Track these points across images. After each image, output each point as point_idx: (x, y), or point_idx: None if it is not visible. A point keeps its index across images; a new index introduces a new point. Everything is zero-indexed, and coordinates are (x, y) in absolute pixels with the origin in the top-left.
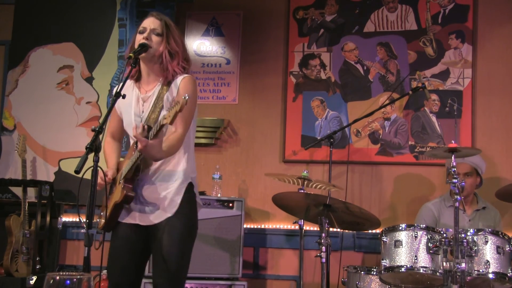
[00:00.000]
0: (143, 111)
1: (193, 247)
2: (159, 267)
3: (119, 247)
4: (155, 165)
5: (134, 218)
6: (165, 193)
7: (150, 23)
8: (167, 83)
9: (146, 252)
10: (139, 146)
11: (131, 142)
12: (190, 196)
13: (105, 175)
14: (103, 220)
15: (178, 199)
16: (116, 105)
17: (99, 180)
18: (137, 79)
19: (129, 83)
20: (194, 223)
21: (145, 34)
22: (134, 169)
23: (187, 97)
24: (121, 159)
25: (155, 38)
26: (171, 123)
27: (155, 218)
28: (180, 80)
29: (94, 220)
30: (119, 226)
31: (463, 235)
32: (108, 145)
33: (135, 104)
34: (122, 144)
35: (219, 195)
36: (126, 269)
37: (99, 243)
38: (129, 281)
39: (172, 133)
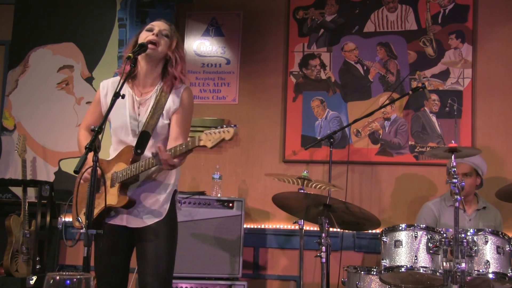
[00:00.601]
0: (139, 114)
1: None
2: (149, 267)
3: (107, 248)
4: (148, 172)
5: (121, 220)
6: (155, 199)
7: (159, 24)
8: (167, 89)
9: (130, 251)
10: (166, 166)
11: (115, 144)
12: (173, 202)
13: (102, 171)
14: (83, 218)
15: (167, 206)
16: (103, 102)
17: (86, 175)
18: (132, 78)
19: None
20: (176, 225)
21: (155, 31)
22: (135, 177)
23: (236, 127)
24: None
25: (163, 40)
26: (212, 148)
27: (144, 221)
28: (181, 92)
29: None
30: (104, 227)
31: (463, 235)
32: (84, 138)
33: (130, 107)
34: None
35: (219, 195)
36: (116, 269)
37: (75, 241)
38: (119, 279)
39: (175, 141)
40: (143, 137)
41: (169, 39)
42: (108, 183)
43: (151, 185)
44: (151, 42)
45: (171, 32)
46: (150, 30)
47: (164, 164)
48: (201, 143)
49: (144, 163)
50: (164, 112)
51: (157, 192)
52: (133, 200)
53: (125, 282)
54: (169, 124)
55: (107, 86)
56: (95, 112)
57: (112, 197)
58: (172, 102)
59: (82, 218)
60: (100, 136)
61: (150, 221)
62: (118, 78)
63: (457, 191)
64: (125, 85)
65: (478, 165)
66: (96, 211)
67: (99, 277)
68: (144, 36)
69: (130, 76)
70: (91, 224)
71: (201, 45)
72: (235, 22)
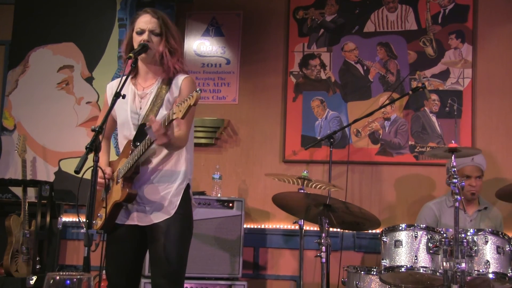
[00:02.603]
0: (140, 108)
1: (189, 248)
2: (160, 268)
3: (116, 250)
4: (153, 164)
5: (132, 219)
6: (164, 193)
7: (147, 23)
8: (167, 81)
9: (142, 251)
10: (160, 138)
11: (120, 141)
12: (187, 197)
13: (104, 173)
14: (99, 221)
15: (177, 201)
16: (109, 102)
17: (99, 179)
18: (133, 75)
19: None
20: (190, 224)
21: (144, 37)
22: (135, 167)
23: (199, 91)
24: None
25: (154, 39)
26: (183, 117)
27: (154, 218)
28: (181, 81)
29: (95, 220)
30: (115, 228)
31: (463, 235)
32: None
33: (131, 101)
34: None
35: (219, 195)
36: (124, 271)
37: (95, 245)
38: (128, 281)
39: (177, 131)
40: (142, 130)
41: (160, 36)
42: (114, 181)
43: (157, 178)
44: (144, 46)
45: (160, 27)
46: (141, 33)
47: (157, 135)
48: (175, 116)
49: (138, 149)
50: (164, 103)
51: (165, 187)
52: (133, 192)
53: (136, 284)
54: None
55: (111, 87)
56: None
57: (116, 193)
58: (171, 92)
59: (97, 222)
60: (100, 136)
61: (159, 218)
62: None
63: (457, 191)
64: (128, 82)
65: (483, 164)
66: (108, 211)
67: (109, 279)
68: (137, 40)
69: (131, 74)
70: (104, 225)
71: (201, 45)
72: (235, 22)
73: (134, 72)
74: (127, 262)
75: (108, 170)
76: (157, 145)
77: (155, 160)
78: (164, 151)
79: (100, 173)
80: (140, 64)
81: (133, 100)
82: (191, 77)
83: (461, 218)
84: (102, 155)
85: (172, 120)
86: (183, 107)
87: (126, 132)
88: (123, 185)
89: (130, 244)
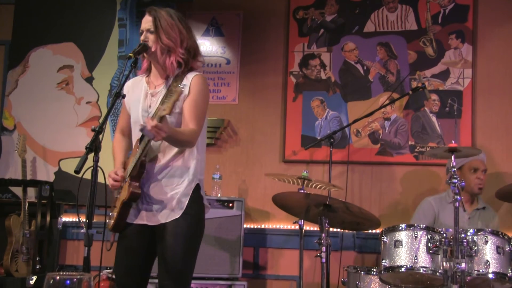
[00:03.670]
0: (150, 106)
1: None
2: (165, 269)
3: (125, 249)
4: (162, 162)
5: (142, 218)
6: (173, 193)
7: (145, 22)
8: (178, 79)
9: (152, 251)
10: (158, 134)
11: (133, 140)
12: (197, 197)
13: (116, 175)
14: (112, 221)
15: (186, 201)
16: (126, 101)
17: (112, 182)
18: (148, 74)
19: (139, 78)
20: (200, 225)
21: (142, 37)
22: (139, 165)
23: (181, 87)
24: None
25: (151, 37)
26: (170, 113)
27: (162, 218)
28: (191, 79)
29: (95, 220)
30: (126, 227)
31: (463, 235)
32: (117, 143)
33: (143, 100)
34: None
35: (219, 195)
36: (132, 270)
37: (111, 244)
38: (136, 282)
39: (186, 126)
40: None
41: (155, 33)
42: (125, 181)
43: (166, 176)
44: (143, 46)
45: (153, 24)
46: (141, 34)
47: (154, 132)
48: (164, 113)
49: (141, 147)
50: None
51: (173, 186)
52: (136, 191)
53: (144, 285)
54: (180, 114)
55: (127, 86)
56: (124, 114)
57: (124, 192)
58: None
59: (110, 221)
60: (100, 136)
61: (166, 218)
62: (138, 77)
63: (457, 191)
64: (142, 80)
65: (485, 161)
66: (117, 211)
67: (117, 278)
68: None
69: (146, 73)
70: (115, 225)
71: (201, 45)
72: (235, 22)
73: (148, 72)
74: (136, 261)
75: (119, 172)
76: (156, 141)
77: (163, 159)
78: (173, 150)
79: (113, 175)
80: (152, 63)
81: (145, 99)
82: (201, 75)
83: (460, 215)
84: (118, 155)
85: (162, 117)
86: (169, 103)
87: (137, 131)
88: (129, 185)
89: (140, 243)
